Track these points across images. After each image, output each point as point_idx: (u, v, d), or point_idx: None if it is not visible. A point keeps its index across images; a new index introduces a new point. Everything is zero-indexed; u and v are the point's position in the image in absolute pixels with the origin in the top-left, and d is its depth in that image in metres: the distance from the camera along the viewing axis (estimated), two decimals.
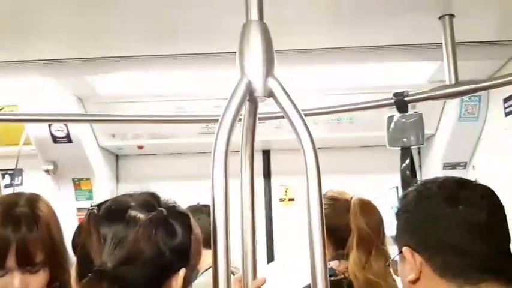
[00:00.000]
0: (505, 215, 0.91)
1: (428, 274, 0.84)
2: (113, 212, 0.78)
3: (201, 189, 2.13)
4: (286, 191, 2.50)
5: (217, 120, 1.52)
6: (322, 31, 1.42)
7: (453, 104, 2.01)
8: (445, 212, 0.85)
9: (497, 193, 2.01)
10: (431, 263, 0.84)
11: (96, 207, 0.78)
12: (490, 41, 1.51)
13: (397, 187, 2.45)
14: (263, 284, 0.97)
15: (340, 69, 1.80)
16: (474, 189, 0.90)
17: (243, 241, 0.95)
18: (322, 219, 0.79)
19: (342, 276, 1.42)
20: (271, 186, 2.48)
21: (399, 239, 0.92)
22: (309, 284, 1.25)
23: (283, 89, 0.85)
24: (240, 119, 0.90)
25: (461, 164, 2.16)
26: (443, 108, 2.10)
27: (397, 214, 0.95)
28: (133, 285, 0.73)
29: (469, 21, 1.33)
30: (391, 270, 1.00)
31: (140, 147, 2.28)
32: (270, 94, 0.85)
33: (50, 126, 1.98)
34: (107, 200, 0.82)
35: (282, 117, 1.55)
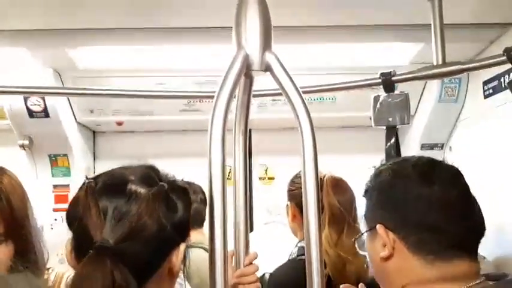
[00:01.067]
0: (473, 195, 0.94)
1: (401, 251, 0.85)
2: (112, 185, 0.76)
3: (182, 167, 2.12)
4: (266, 170, 2.51)
5: (202, 96, 1.50)
6: (313, 9, 1.41)
7: (433, 85, 2.03)
8: (421, 191, 0.87)
9: (473, 174, 2.07)
10: (405, 240, 0.85)
11: (92, 180, 0.76)
12: (474, 23, 1.53)
13: (374, 167, 2.50)
14: (255, 258, 0.98)
15: (325, 48, 1.79)
16: (446, 169, 0.92)
17: (236, 218, 0.95)
18: (318, 194, 0.79)
19: None
20: (251, 166, 2.49)
21: (370, 217, 0.92)
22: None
23: (281, 64, 0.84)
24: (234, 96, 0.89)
25: (439, 145, 2.21)
26: (423, 90, 2.13)
27: (369, 192, 0.95)
28: (136, 261, 0.72)
29: (456, 3, 1.34)
30: (356, 246, 0.99)
31: (119, 124, 2.23)
32: (268, 69, 0.84)
33: (26, 99, 1.91)
34: (102, 173, 0.80)
35: (276, 94, 1.54)
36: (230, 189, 0.99)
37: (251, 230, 2.31)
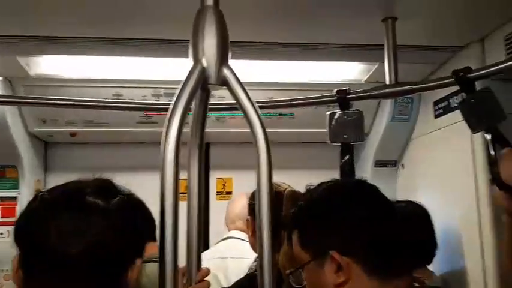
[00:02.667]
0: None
1: (356, 274, 0.85)
2: (68, 198, 0.73)
3: (140, 180, 2.07)
4: (224, 185, 2.49)
5: (159, 108, 1.48)
6: (271, 26, 1.42)
7: (387, 104, 2.10)
8: (365, 212, 0.89)
9: (424, 191, 2.13)
10: (361, 263, 0.85)
11: (46, 193, 0.73)
12: (427, 45, 1.60)
13: (310, 186, 2.52)
14: (207, 275, 0.96)
15: (283, 64, 1.82)
16: (376, 188, 0.95)
17: (189, 233, 0.93)
18: (271, 210, 0.80)
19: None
20: (209, 180, 2.47)
21: (313, 244, 0.90)
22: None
23: (237, 79, 0.84)
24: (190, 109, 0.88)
25: (392, 163, 2.27)
26: (377, 108, 2.19)
27: (307, 218, 0.93)
28: (94, 275, 0.69)
29: (410, 25, 1.40)
30: (291, 280, 0.93)
31: (73, 135, 2.16)
32: (224, 83, 0.84)
33: None
34: (56, 186, 0.77)
35: (233, 108, 1.54)
36: (185, 204, 0.98)
37: (207, 246, 2.28)
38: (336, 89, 1.39)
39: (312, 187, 0.99)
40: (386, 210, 0.91)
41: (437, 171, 1.89)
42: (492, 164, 1.13)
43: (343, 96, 1.38)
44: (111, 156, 2.31)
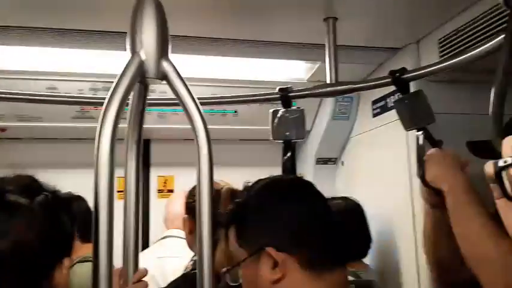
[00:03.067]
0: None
1: (292, 269, 0.86)
2: None
3: (75, 178, 1.98)
4: (165, 183, 2.44)
5: (96, 102, 1.42)
6: (214, 21, 1.40)
7: (328, 103, 2.14)
8: (302, 207, 0.90)
9: (362, 187, 2.20)
10: (297, 258, 0.87)
11: None
12: (366, 46, 1.64)
13: (248, 183, 2.54)
14: (144, 275, 0.93)
15: (226, 60, 1.81)
16: (312, 185, 0.98)
17: (126, 232, 0.90)
18: (212, 208, 0.78)
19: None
20: (149, 177, 2.41)
21: (249, 241, 0.90)
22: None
23: (178, 73, 0.82)
24: (127, 103, 0.85)
25: (332, 160, 2.32)
26: (319, 106, 2.23)
27: (243, 215, 0.93)
28: (18, 276, 0.64)
29: (350, 26, 1.43)
30: (227, 278, 0.93)
31: (2, 130, 2.02)
32: (164, 77, 0.82)
33: None
34: None
35: (174, 103, 1.50)
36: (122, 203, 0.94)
37: (147, 245, 2.22)
38: (278, 87, 1.40)
39: (249, 184, 0.99)
40: (320, 206, 0.93)
41: (375, 168, 1.96)
42: (420, 162, 1.19)
43: (285, 94, 1.39)
44: (45, 153, 2.19)
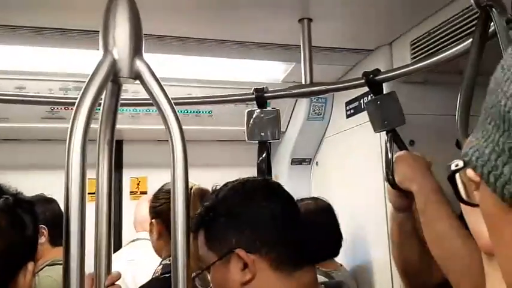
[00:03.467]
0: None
1: (262, 270, 0.86)
2: None
3: (45, 180, 1.92)
4: (138, 184, 2.41)
5: (66, 103, 1.38)
6: (188, 20, 1.39)
7: (303, 104, 2.15)
8: (270, 209, 0.91)
9: (335, 187, 2.21)
10: (267, 259, 0.87)
11: None
12: (340, 47, 1.66)
13: (216, 186, 2.53)
14: (118, 279, 0.91)
15: (201, 60, 1.79)
16: (279, 186, 0.99)
17: (98, 235, 0.88)
18: (187, 209, 0.77)
19: None
20: (122, 179, 2.36)
21: (219, 244, 0.90)
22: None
23: (152, 73, 0.80)
24: (100, 103, 0.83)
25: (307, 160, 2.33)
26: (293, 107, 2.24)
27: (209, 219, 0.93)
28: None
29: (324, 27, 1.43)
30: (197, 283, 0.92)
31: None
32: (137, 76, 0.80)
33: None
34: None
35: (147, 104, 1.48)
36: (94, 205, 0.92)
37: (119, 248, 2.18)
38: (254, 88, 1.40)
39: (218, 187, 0.99)
40: (289, 207, 0.94)
41: (349, 168, 1.97)
42: (387, 164, 1.20)
43: (260, 95, 1.39)
44: (13, 154, 2.12)
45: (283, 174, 2.31)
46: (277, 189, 0.97)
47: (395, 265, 1.34)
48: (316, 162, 2.30)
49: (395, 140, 1.23)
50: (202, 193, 1.45)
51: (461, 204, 0.50)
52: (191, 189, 1.47)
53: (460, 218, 1.08)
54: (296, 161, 2.32)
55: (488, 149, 0.40)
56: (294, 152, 2.29)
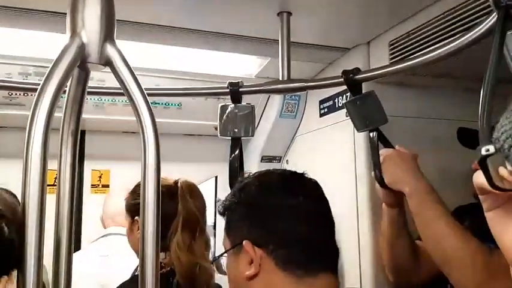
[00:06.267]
0: None
1: (268, 268, 0.83)
2: None
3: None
4: (100, 177, 2.30)
5: (26, 88, 1.29)
6: (162, 7, 1.32)
7: (276, 101, 2.11)
8: (287, 203, 0.86)
9: None
10: (273, 256, 0.84)
11: None
12: (317, 44, 1.62)
13: (216, 177, 2.49)
14: None
15: (170, 50, 1.72)
16: (309, 181, 0.94)
17: (57, 231, 0.81)
18: (158, 205, 0.72)
19: (169, 268, 1.37)
20: (83, 171, 2.26)
21: (235, 233, 0.89)
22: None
23: (124, 59, 0.74)
24: (65, 90, 0.76)
25: (277, 158, 2.29)
26: (266, 104, 2.19)
27: (232, 207, 0.91)
28: None
29: (303, 23, 1.40)
30: (215, 268, 0.95)
31: None
32: (108, 63, 0.73)
33: None
34: None
35: (114, 93, 1.40)
36: (53, 198, 0.85)
37: (78, 247, 2.08)
38: (228, 81, 1.35)
39: (249, 174, 0.98)
40: (312, 203, 0.90)
41: (320, 168, 1.94)
42: (375, 164, 1.19)
43: (236, 89, 1.33)
44: None
45: (253, 172, 2.26)
46: (302, 183, 0.92)
47: (384, 261, 1.32)
48: (287, 160, 2.27)
49: (380, 139, 1.21)
50: (190, 187, 1.47)
51: (487, 216, 0.47)
52: (176, 183, 1.48)
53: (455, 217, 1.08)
54: (266, 159, 2.28)
55: None
56: (265, 149, 2.24)
